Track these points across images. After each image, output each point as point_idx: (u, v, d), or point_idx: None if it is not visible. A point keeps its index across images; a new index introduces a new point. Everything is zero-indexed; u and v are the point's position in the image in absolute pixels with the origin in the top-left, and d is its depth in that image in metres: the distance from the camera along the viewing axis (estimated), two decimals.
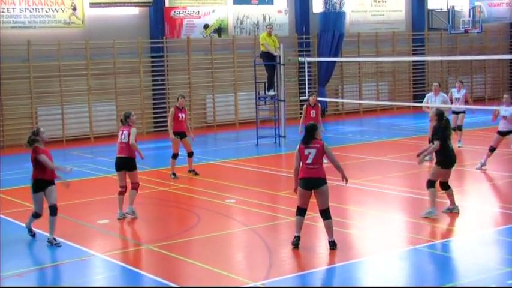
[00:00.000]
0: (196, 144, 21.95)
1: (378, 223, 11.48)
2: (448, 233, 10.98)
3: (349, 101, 28.11)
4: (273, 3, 27.16)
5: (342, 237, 10.70)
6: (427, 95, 17.71)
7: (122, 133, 12.79)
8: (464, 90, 18.79)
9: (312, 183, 10.11)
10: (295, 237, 10.28)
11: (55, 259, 10.23)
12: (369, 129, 24.33)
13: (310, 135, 10.25)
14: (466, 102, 18.94)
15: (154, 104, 25.10)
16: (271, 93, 20.74)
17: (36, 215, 11.18)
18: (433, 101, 17.05)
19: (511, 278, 8.64)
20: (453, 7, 29.21)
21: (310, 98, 17.16)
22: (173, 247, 10.59)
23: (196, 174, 16.14)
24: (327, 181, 10.16)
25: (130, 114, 13.12)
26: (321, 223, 11.64)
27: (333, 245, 10.18)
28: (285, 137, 20.75)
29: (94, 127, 23.64)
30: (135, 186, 12.78)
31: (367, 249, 10.38)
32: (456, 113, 18.86)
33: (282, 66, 20.65)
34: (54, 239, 10.88)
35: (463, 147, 18.41)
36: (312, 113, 16.94)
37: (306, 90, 22.76)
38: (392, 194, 13.60)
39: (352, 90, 29.38)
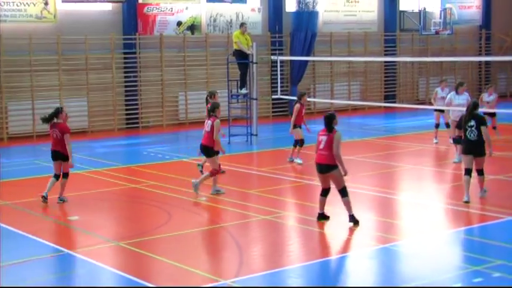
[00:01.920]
0: (168, 142, 22.03)
1: (348, 222, 11.55)
2: (417, 232, 11.09)
3: (321, 100, 28.18)
4: (246, 2, 27.15)
5: (312, 235, 10.76)
6: (449, 95, 17.31)
7: (207, 123, 13.59)
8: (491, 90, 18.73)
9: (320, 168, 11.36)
10: (318, 213, 11.51)
11: (24, 255, 10.14)
12: (340, 129, 23.90)
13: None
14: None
15: (126, 100, 24.98)
16: (244, 91, 20.77)
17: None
18: (455, 100, 16.80)
19: (477, 276, 8.77)
20: (424, 8, 29.51)
21: (303, 97, 17.29)
22: (143, 244, 10.57)
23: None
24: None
25: (218, 105, 13.78)
26: (291, 222, 11.80)
27: (351, 219, 11.13)
28: (257, 135, 20.80)
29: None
30: (213, 172, 13.58)
31: (337, 248, 10.48)
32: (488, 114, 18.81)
33: (254, 65, 20.69)
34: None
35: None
36: (303, 111, 17.15)
37: (279, 88, 22.87)
38: (362, 193, 13.69)
39: (324, 90, 29.50)
